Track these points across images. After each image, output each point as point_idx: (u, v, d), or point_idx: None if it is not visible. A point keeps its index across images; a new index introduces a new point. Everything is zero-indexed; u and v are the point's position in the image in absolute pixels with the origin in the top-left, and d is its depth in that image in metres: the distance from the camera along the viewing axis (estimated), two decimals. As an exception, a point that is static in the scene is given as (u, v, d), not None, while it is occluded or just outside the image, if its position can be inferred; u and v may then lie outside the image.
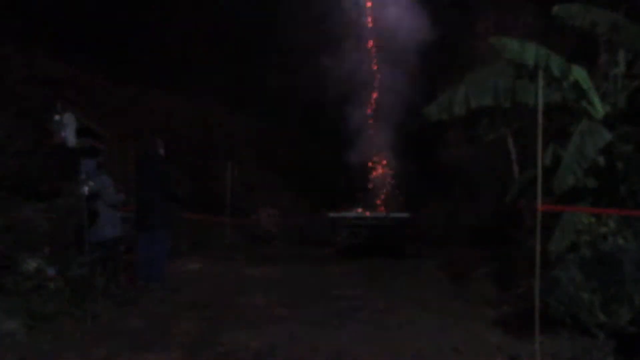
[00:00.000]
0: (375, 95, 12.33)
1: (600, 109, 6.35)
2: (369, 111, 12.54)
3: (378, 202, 12.40)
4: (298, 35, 12.39)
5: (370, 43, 12.40)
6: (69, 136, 5.87)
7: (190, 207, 11.19)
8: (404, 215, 11.43)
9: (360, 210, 12.00)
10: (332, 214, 11.83)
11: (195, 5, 14.47)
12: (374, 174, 12.64)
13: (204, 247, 11.44)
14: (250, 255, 11.10)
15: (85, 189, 5.90)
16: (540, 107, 4.81)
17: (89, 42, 12.11)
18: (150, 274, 7.09)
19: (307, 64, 12.48)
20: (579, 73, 6.21)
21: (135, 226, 7.43)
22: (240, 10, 14.43)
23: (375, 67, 12.52)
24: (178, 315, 5.93)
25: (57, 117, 5.85)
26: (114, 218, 6.75)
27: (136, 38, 13.74)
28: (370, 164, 12.66)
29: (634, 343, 4.55)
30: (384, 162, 12.54)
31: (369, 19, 12.03)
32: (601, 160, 6.01)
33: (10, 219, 6.43)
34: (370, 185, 12.67)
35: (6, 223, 6.27)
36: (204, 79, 14.64)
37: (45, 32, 11.12)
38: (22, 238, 6.25)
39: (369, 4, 11.88)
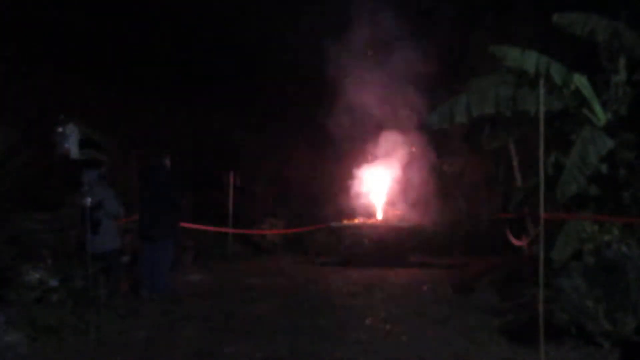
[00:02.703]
0: (377, 105, 12.35)
1: (601, 116, 6.36)
2: (371, 121, 12.55)
3: (380, 211, 12.37)
4: (301, 47, 12.46)
5: (372, 52, 12.42)
6: (72, 148, 5.89)
7: (194, 218, 11.20)
8: (406, 224, 11.42)
9: (362, 219, 11.98)
10: (334, 224, 11.81)
11: (198, 18, 14.55)
12: (376, 183, 12.61)
13: (207, 258, 11.44)
14: (253, 265, 11.09)
15: (88, 200, 5.92)
16: (542, 115, 4.82)
17: (92, 54, 12.18)
18: (154, 284, 7.09)
19: (310, 74, 12.52)
20: (580, 80, 6.23)
21: (139, 237, 7.44)
22: (244, 24, 14.52)
23: (377, 77, 12.55)
24: (181, 326, 5.92)
25: (60, 129, 5.88)
26: (115, 229, 6.76)
27: (139, 50, 13.81)
28: (372, 173, 12.63)
29: (639, 352, 4.51)
30: (387, 171, 12.52)
31: (371, 29, 12.06)
32: (603, 167, 6.00)
33: (14, 230, 6.44)
34: (372, 194, 12.63)
35: (9, 234, 6.28)
36: (207, 90, 14.69)
37: (48, 44, 11.20)
38: (25, 249, 6.25)
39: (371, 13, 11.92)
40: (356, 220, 11.90)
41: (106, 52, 12.88)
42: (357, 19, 11.66)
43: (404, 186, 12.16)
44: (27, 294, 5.61)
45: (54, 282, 5.87)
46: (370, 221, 11.89)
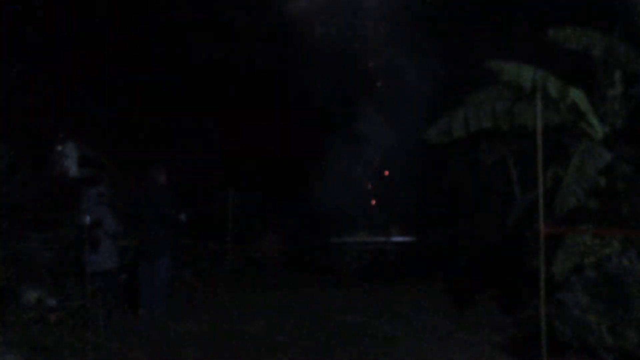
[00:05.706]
0: (375, 120, 12.42)
1: (599, 129, 6.38)
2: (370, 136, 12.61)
3: (380, 226, 12.35)
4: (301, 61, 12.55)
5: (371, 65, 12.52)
6: (71, 166, 5.90)
7: (192, 234, 11.16)
8: (406, 239, 11.40)
9: (361, 234, 11.95)
10: (333, 239, 11.78)
11: (199, 30, 14.62)
12: (376, 197, 12.63)
13: (206, 275, 11.37)
14: (252, 281, 11.03)
15: (87, 219, 5.91)
16: (539, 129, 4.84)
17: (90, 70, 12.22)
18: (152, 303, 7.03)
19: (310, 88, 12.60)
20: (576, 94, 6.25)
21: (137, 255, 7.39)
22: (245, 37, 14.62)
23: (374, 92, 12.63)
24: (180, 345, 5.87)
25: (59, 147, 5.89)
26: (114, 248, 6.73)
27: (137, 64, 13.86)
28: (372, 188, 12.66)
29: (643, 366, 4.48)
30: (386, 186, 12.54)
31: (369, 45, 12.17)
32: (602, 180, 6.01)
33: (12, 250, 6.42)
34: (371, 209, 12.64)
35: (7, 254, 6.26)
36: (205, 103, 14.71)
37: (46, 60, 11.23)
38: (24, 269, 6.22)
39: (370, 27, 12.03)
40: (356, 236, 11.89)
41: (104, 67, 12.93)
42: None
43: (404, 201, 12.17)
44: (25, 314, 5.57)
45: (52, 302, 5.83)
46: (371, 236, 11.87)
